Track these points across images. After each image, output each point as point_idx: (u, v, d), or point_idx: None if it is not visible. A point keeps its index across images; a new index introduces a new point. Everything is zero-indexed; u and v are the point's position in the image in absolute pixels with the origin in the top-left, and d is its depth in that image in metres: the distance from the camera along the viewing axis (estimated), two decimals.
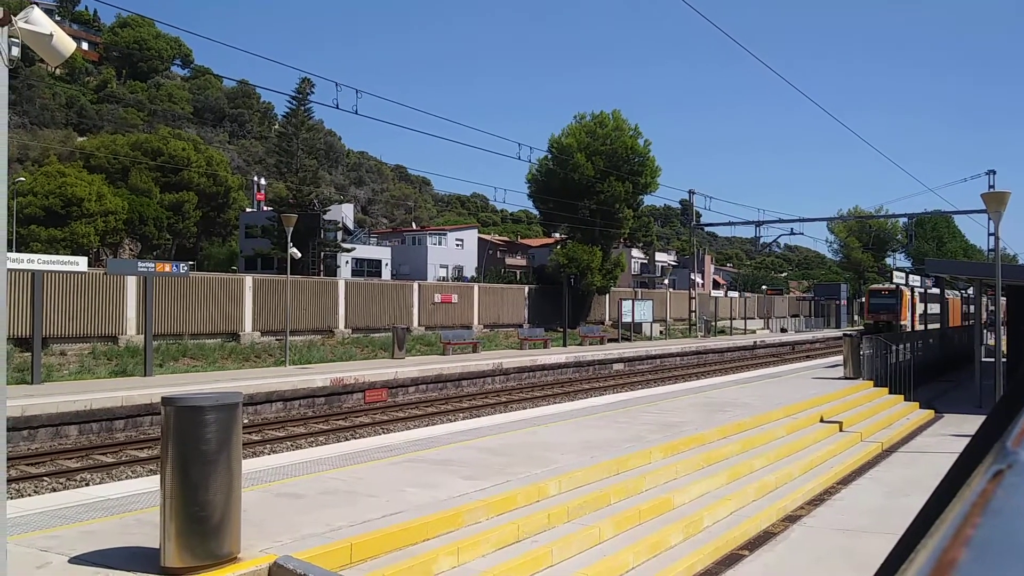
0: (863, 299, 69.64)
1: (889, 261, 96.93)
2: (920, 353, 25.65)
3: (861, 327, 63.29)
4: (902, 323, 55.70)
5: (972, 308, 61.43)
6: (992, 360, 20.87)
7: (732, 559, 9.01)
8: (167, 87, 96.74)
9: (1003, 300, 28.10)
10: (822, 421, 16.48)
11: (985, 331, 31.40)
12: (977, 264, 40.94)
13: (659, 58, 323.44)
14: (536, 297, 50.78)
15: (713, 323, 60.48)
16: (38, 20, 8.20)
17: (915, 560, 0.74)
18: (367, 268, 62.77)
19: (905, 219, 78.12)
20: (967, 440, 1.42)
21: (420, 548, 7.31)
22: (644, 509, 9.53)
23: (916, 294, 56.54)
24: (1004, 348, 22.28)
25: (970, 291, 47.94)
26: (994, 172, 47.63)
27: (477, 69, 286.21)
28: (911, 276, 49.67)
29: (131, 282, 29.02)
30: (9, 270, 21.51)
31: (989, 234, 47.84)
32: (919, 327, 51.28)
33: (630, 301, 49.45)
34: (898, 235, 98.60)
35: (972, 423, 16.03)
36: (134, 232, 59.41)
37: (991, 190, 35.00)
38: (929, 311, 56.50)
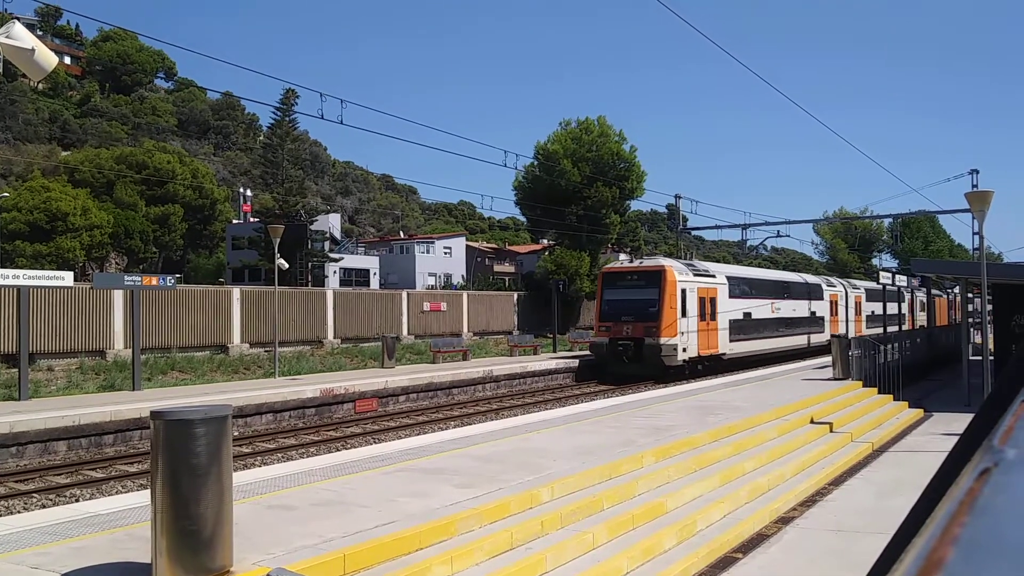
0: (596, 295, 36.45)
1: (875, 262, 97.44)
2: (908, 353, 25.77)
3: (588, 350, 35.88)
4: (663, 341, 30.03)
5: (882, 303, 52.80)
6: (979, 358, 20.99)
7: (726, 562, 9.02)
8: (151, 100, 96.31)
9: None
10: (812, 422, 16.53)
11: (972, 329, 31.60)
12: (963, 263, 41.02)
13: (642, 63, 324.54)
14: (525, 303, 50.78)
15: None
16: (20, 35, 8.17)
17: (904, 560, 0.75)
18: (355, 278, 62.64)
19: (890, 220, 78.60)
20: (956, 439, 1.43)
21: (413, 557, 7.30)
22: (637, 514, 9.54)
23: (715, 283, 34.10)
24: (991, 346, 22.40)
25: (955, 290, 47.74)
26: (977, 171, 47.55)
27: (462, 77, 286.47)
28: (898, 276, 45.03)
29: (118, 296, 28.88)
30: None
31: (974, 233, 47.92)
32: (730, 350, 33.96)
33: None
34: (884, 236, 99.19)
35: (961, 422, 16.09)
36: (120, 246, 59.09)
37: (974, 189, 35.27)
38: (779, 313, 38.45)
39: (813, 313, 43.42)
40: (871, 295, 51.75)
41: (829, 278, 50.92)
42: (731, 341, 34.38)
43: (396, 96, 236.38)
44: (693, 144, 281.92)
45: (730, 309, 34.46)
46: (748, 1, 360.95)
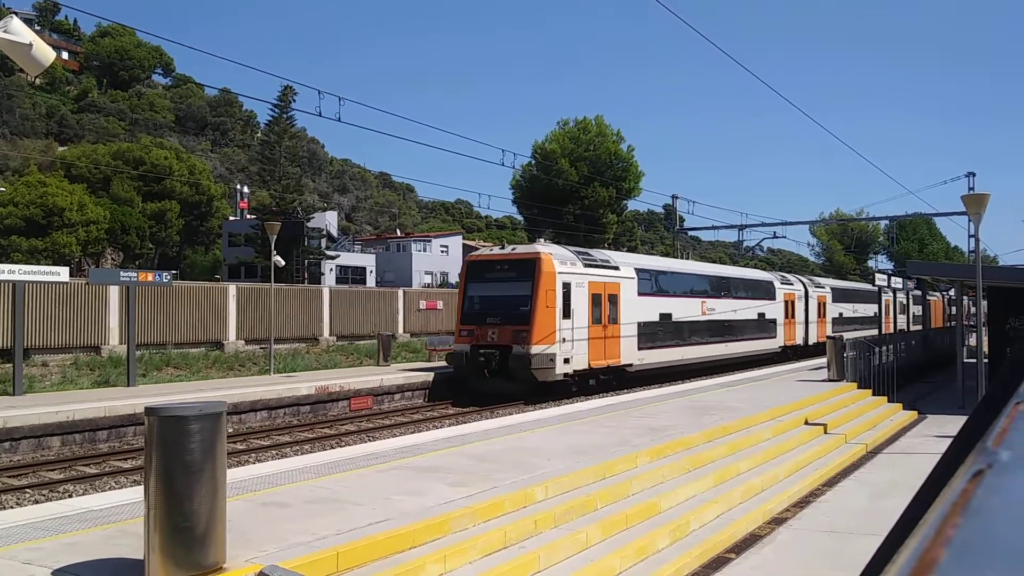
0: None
1: (871, 263, 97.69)
2: (903, 355, 25.81)
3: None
4: (536, 350, 23.64)
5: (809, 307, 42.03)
6: (974, 361, 21.05)
7: (719, 562, 9.03)
8: (148, 96, 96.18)
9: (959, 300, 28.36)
10: (807, 423, 16.55)
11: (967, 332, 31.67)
12: (958, 266, 40.95)
13: (641, 63, 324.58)
14: None
15: None
16: (17, 30, 8.15)
17: (897, 561, 0.75)
18: (351, 275, 62.63)
19: (886, 221, 78.82)
20: (950, 441, 1.43)
21: (407, 555, 7.29)
22: (631, 513, 9.54)
23: (618, 276, 27.41)
24: (986, 349, 22.46)
25: (951, 292, 47.37)
26: (974, 174, 47.62)
27: (460, 76, 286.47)
28: (893, 278, 43.63)
29: (113, 292, 28.81)
30: None
31: (969, 236, 47.94)
32: (639, 360, 27.91)
33: None
34: (880, 237, 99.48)
35: (955, 424, 16.11)
36: (116, 241, 59.04)
37: (971, 192, 35.35)
38: (712, 315, 32.93)
39: (761, 315, 37.34)
40: (839, 295, 47.41)
41: (785, 275, 44.53)
42: (641, 349, 28.28)
43: (394, 94, 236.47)
44: (691, 145, 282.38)
45: (640, 310, 28.30)
46: (746, 1, 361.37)
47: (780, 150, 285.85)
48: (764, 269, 50.46)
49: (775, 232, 57.44)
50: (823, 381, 22.19)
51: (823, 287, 46.07)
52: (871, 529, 9.38)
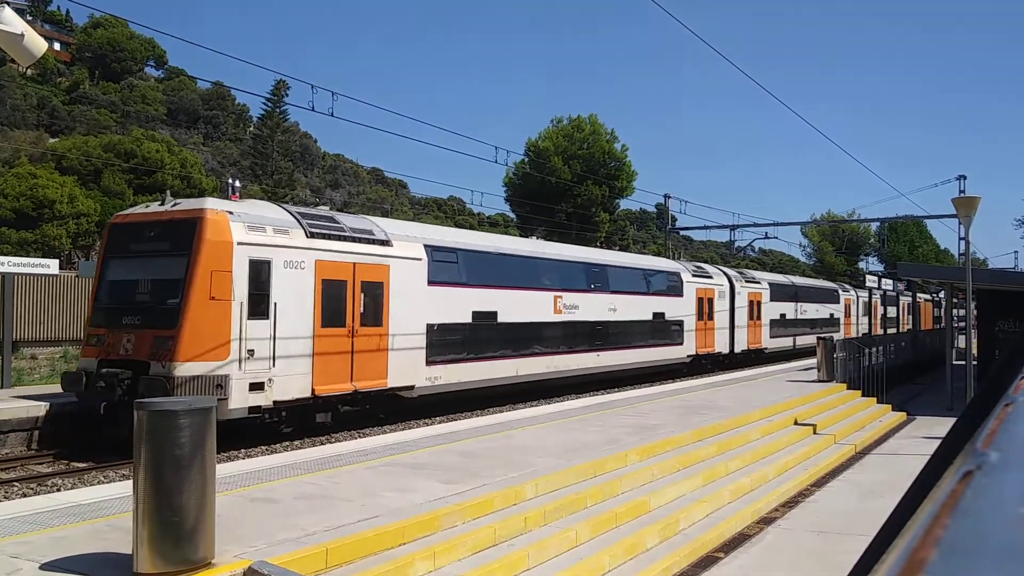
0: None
1: (862, 265, 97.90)
2: (893, 356, 25.90)
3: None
4: (185, 370, 13.74)
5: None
6: (963, 363, 21.14)
7: (708, 561, 9.06)
8: (140, 88, 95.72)
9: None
10: (796, 424, 16.60)
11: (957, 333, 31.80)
12: (948, 268, 40.89)
13: (633, 62, 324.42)
14: None
15: None
16: (9, 20, 8.11)
17: (886, 560, 0.75)
18: None
19: (877, 223, 79.11)
20: (939, 442, 1.44)
21: (396, 552, 7.29)
22: (620, 512, 9.56)
23: (387, 256, 18.41)
24: (975, 351, 22.57)
25: (942, 295, 47.37)
26: (964, 177, 47.73)
27: (454, 72, 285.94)
28: (883, 280, 43.60)
29: None
30: None
31: (960, 238, 48.05)
32: (433, 378, 19.31)
33: None
34: (870, 239, 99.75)
35: (943, 425, 16.21)
36: None
37: (961, 195, 35.48)
38: (574, 314, 24.74)
39: (659, 316, 29.25)
40: (780, 293, 40.12)
41: (703, 265, 37.00)
42: (435, 364, 19.56)
43: (388, 90, 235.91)
44: (684, 144, 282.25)
45: (435, 306, 19.62)
46: (740, 3, 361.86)
47: (773, 151, 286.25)
48: (754, 269, 49.27)
49: (767, 233, 57.42)
50: (813, 382, 22.25)
51: (758, 282, 38.60)
52: (860, 529, 9.41)
